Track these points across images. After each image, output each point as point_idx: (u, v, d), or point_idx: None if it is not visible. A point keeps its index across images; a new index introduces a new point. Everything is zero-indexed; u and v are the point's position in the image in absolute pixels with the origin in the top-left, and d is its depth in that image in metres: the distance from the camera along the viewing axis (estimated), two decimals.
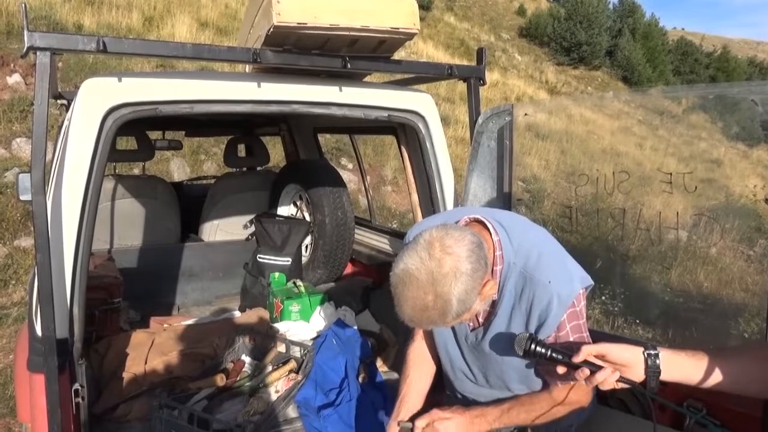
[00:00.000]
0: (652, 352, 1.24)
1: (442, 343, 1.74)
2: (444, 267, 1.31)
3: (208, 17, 12.63)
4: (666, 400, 1.39)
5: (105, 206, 3.28)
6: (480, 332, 1.61)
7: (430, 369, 1.83)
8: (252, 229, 3.64)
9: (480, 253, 1.36)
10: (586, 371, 1.27)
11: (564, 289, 1.45)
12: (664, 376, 1.24)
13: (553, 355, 1.32)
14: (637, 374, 1.25)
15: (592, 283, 1.53)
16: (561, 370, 1.32)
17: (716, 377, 1.22)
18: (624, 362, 1.25)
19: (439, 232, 1.36)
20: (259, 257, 3.39)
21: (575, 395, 1.54)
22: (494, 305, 1.55)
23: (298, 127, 4.04)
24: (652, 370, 1.23)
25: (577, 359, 1.27)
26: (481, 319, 1.61)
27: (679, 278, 6.71)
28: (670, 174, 1.97)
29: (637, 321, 5.45)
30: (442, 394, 1.90)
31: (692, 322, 5.43)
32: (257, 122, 4.16)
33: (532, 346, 1.33)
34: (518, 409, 1.56)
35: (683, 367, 1.24)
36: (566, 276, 1.48)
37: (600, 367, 1.26)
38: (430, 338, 1.80)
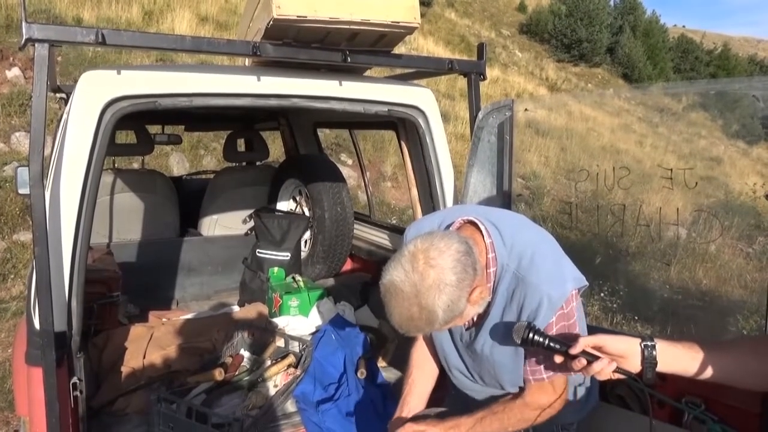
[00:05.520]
0: (649, 343, 1.24)
1: (438, 341, 1.75)
2: (427, 279, 1.32)
3: (208, 12, 12.59)
4: (664, 394, 1.39)
5: (104, 200, 3.28)
6: (473, 332, 1.61)
7: (433, 369, 1.83)
8: (251, 223, 3.63)
9: (467, 260, 1.36)
10: (583, 361, 1.27)
11: (555, 291, 1.44)
12: (661, 368, 1.24)
13: (551, 344, 1.32)
14: (634, 365, 1.25)
15: (587, 283, 1.53)
16: (558, 359, 1.32)
17: (713, 369, 1.21)
18: (621, 353, 1.25)
19: (423, 243, 1.37)
20: (258, 252, 3.39)
21: (548, 399, 1.53)
22: (487, 306, 1.54)
23: (298, 122, 4.03)
24: (649, 361, 1.23)
25: (575, 350, 1.27)
26: (475, 319, 1.61)
27: (679, 275, 6.71)
28: (671, 170, 1.97)
29: (636, 318, 5.45)
30: (445, 393, 1.90)
31: (691, 319, 5.44)
32: (257, 117, 4.15)
33: (530, 335, 1.32)
34: (491, 418, 1.56)
35: (680, 358, 1.24)
36: (559, 277, 1.47)
37: (597, 357, 1.26)
38: (430, 338, 1.81)
